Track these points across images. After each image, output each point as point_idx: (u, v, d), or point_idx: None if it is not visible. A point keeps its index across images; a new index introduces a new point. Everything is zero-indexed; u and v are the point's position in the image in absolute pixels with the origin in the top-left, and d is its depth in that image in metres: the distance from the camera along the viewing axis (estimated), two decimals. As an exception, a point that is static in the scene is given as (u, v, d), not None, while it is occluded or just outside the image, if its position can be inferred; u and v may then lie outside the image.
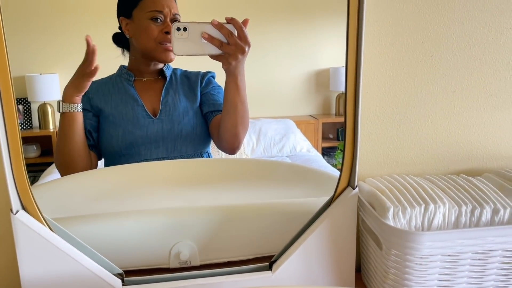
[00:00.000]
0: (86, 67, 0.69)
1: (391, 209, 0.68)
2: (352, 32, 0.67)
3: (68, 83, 0.71)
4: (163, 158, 0.77)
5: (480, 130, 0.86)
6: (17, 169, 0.62)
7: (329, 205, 0.73)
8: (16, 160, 0.61)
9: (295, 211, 0.76)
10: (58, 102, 0.72)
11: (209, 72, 0.79)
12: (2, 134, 0.60)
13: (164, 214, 0.73)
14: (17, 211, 0.63)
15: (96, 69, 0.69)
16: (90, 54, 0.69)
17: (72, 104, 0.72)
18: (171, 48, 0.73)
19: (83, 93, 0.72)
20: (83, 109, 0.75)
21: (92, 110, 0.76)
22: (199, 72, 0.79)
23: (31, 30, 0.71)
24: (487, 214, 0.69)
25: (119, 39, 0.75)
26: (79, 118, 0.73)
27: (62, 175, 0.75)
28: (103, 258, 0.68)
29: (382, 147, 0.84)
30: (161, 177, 0.78)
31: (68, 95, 0.72)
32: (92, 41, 0.69)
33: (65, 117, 0.72)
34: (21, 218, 0.62)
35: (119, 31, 0.74)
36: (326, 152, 0.87)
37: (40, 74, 0.74)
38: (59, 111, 0.72)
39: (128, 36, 0.74)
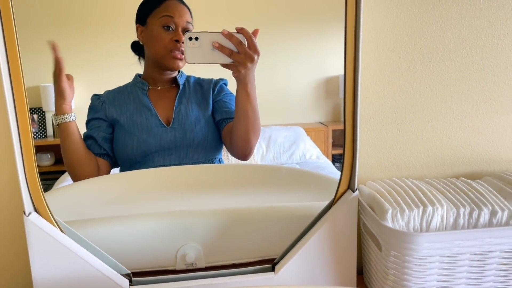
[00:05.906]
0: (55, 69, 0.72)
1: (390, 211, 0.69)
2: (350, 40, 0.69)
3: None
4: (175, 165, 0.79)
5: (480, 134, 0.87)
6: (29, 172, 0.64)
7: (330, 208, 0.74)
8: (29, 164, 0.64)
9: (297, 214, 0.78)
10: (52, 116, 0.74)
11: (221, 79, 0.81)
12: (15, 139, 0.63)
13: (171, 217, 0.75)
14: (29, 213, 0.65)
15: (59, 64, 0.71)
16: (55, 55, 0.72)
17: (64, 115, 0.74)
18: (179, 56, 0.76)
19: (69, 99, 0.74)
20: (98, 119, 0.77)
21: (107, 120, 0.78)
22: (212, 79, 0.81)
23: (46, 41, 0.73)
24: (485, 216, 0.70)
25: (136, 47, 0.77)
26: (73, 127, 0.75)
27: (73, 181, 0.78)
28: (112, 259, 0.70)
29: (382, 151, 0.85)
30: (167, 182, 0.80)
31: (57, 107, 0.74)
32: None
33: (61, 129, 0.75)
34: (33, 220, 0.65)
35: (137, 39, 0.77)
36: (336, 159, 0.87)
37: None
38: (53, 125, 0.75)
39: (141, 43, 0.77)
